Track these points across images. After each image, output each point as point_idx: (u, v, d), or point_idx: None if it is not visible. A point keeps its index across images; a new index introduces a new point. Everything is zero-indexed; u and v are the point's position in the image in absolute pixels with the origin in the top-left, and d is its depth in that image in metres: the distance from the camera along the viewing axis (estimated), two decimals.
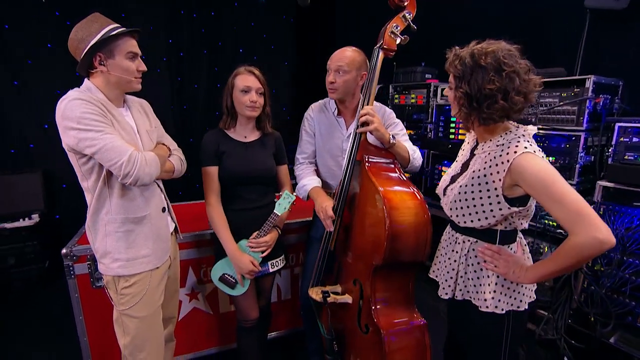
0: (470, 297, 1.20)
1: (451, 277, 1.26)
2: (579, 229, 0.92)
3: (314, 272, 1.60)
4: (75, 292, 1.71)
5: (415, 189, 1.42)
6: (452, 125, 2.83)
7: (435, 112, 2.92)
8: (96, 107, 1.22)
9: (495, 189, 1.07)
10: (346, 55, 1.59)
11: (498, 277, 1.14)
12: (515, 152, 1.02)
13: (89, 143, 1.19)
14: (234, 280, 1.62)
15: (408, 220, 1.33)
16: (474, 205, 1.13)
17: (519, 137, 1.07)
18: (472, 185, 1.13)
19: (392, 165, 1.52)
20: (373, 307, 1.38)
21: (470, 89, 1.03)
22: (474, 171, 1.15)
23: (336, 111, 1.72)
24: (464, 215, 1.16)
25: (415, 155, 1.59)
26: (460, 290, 1.23)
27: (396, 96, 3.34)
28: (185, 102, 3.92)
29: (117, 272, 1.35)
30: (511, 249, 1.16)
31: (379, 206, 1.32)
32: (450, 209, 1.21)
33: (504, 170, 1.04)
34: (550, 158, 2.16)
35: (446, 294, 1.27)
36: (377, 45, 1.49)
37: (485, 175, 1.10)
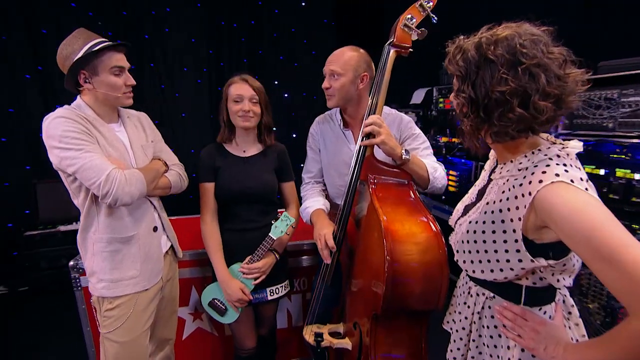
0: None
1: (460, 338, 0.96)
2: None
3: (310, 309, 1.38)
4: (82, 304, 1.71)
5: (431, 219, 1.14)
6: None
7: None
8: (79, 125, 1.18)
9: (514, 230, 0.76)
10: (340, 56, 1.37)
11: (523, 350, 0.82)
12: (541, 180, 0.71)
13: (70, 162, 1.16)
14: (224, 307, 1.48)
15: (415, 259, 1.06)
16: (485, 251, 0.83)
17: (550, 157, 0.74)
18: (484, 222, 0.83)
19: (406, 187, 1.25)
20: (372, 356, 1.12)
21: (475, 93, 0.74)
22: (487, 203, 0.85)
23: (342, 123, 1.49)
24: (472, 262, 0.87)
25: (436, 174, 1.30)
26: (473, 357, 0.92)
27: (441, 100, 2.97)
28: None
29: (101, 292, 1.30)
30: (544, 312, 0.84)
31: (380, 240, 1.07)
32: (457, 251, 0.92)
33: (525, 207, 0.73)
34: (637, 176, 1.65)
35: (454, 358, 0.97)
36: (388, 41, 1.25)
37: (500, 211, 0.79)
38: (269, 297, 1.53)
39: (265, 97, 1.48)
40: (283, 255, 1.60)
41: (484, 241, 0.82)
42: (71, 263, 1.69)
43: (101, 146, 1.23)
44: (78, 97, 1.29)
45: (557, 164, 0.72)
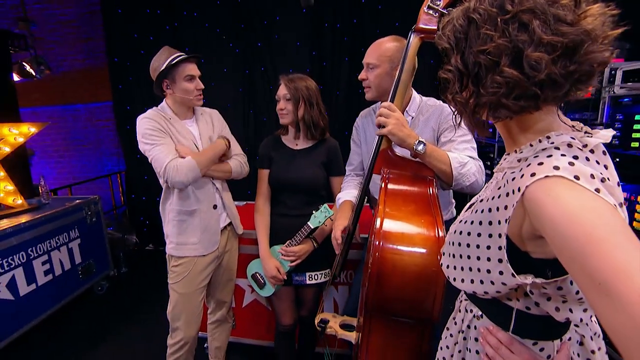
0: None
1: (444, 358, 0.85)
2: None
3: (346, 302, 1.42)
4: None
5: (439, 221, 1.03)
6: (638, 127, 1.82)
7: (609, 108, 1.96)
8: (157, 123, 1.52)
9: (499, 235, 0.61)
10: (377, 47, 1.33)
11: None
12: (534, 173, 0.54)
13: (147, 154, 1.53)
14: (263, 282, 1.66)
15: (406, 262, 0.98)
16: (468, 257, 0.69)
17: (556, 146, 0.57)
18: (472, 223, 0.69)
19: (425, 183, 1.15)
20: None
21: (464, 64, 0.60)
22: (481, 200, 0.71)
23: None
24: (455, 268, 0.73)
25: (463, 170, 1.14)
26: None
27: None
28: (326, 108, 4.20)
29: (170, 251, 1.65)
30: (541, 349, 0.66)
31: (373, 234, 1.03)
32: (443, 253, 0.80)
33: (513, 206, 0.58)
34: None
35: None
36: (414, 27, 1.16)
37: (490, 210, 0.64)
38: (308, 282, 1.63)
39: (309, 95, 1.56)
40: (327, 245, 1.66)
41: (468, 245, 0.69)
42: None
43: (174, 138, 1.56)
44: (164, 100, 1.65)
45: (562, 155, 0.55)
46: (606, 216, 0.47)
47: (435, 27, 1.11)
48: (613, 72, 1.96)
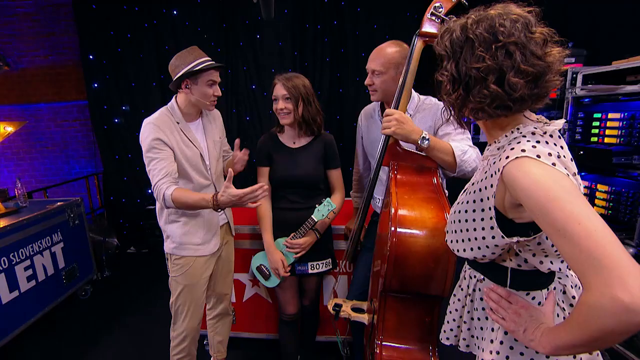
0: (476, 350, 0.90)
1: (454, 320, 0.97)
2: (592, 280, 0.57)
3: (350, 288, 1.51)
4: None
5: (447, 208, 1.15)
6: (596, 124, 2.07)
7: (572, 107, 2.20)
8: (162, 133, 1.50)
9: (490, 208, 0.78)
10: (381, 53, 1.42)
11: (506, 333, 0.81)
12: (508, 157, 0.71)
13: (146, 165, 1.51)
14: (268, 273, 1.72)
15: (420, 243, 1.09)
16: (467, 230, 0.85)
17: (523, 135, 0.75)
18: (467, 202, 0.85)
19: (429, 173, 1.27)
20: (378, 340, 1.20)
21: (457, 71, 0.76)
22: (473, 184, 0.87)
23: (381, 115, 1.55)
24: (457, 241, 0.89)
25: (464, 157, 1.27)
26: (465, 338, 0.93)
27: None
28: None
29: (171, 251, 1.65)
30: (533, 298, 0.82)
31: (390, 221, 1.14)
32: (447, 231, 0.94)
33: (496, 184, 0.74)
34: None
35: (447, 338, 0.99)
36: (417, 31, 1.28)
37: (480, 190, 0.81)
38: (310, 271, 1.70)
39: (306, 93, 1.61)
40: (327, 236, 1.75)
41: (466, 220, 0.84)
42: None
43: (177, 149, 1.53)
44: (174, 97, 1.63)
45: (527, 141, 0.72)
46: (560, 181, 0.64)
47: (437, 32, 1.24)
48: (574, 75, 2.21)
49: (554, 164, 0.66)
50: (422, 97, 1.54)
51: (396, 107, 1.29)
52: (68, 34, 4.06)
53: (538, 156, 0.68)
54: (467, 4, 1.19)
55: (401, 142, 1.31)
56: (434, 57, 0.85)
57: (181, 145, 1.56)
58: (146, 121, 1.53)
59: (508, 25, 0.70)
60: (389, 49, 1.43)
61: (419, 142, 1.22)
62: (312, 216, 1.59)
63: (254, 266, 1.77)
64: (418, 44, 1.26)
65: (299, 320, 1.83)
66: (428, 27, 1.23)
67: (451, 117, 0.85)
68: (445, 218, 1.12)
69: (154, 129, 1.50)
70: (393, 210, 1.13)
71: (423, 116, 1.49)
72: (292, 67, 4.13)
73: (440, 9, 1.21)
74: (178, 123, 1.58)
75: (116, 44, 3.63)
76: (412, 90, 1.53)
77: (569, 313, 0.83)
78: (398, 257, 1.09)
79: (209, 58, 1.57)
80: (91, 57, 3.67)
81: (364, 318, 1.34)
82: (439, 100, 1.51)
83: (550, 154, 0.68)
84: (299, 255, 1.65)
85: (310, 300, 1.84)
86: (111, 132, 3.86)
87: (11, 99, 4.56)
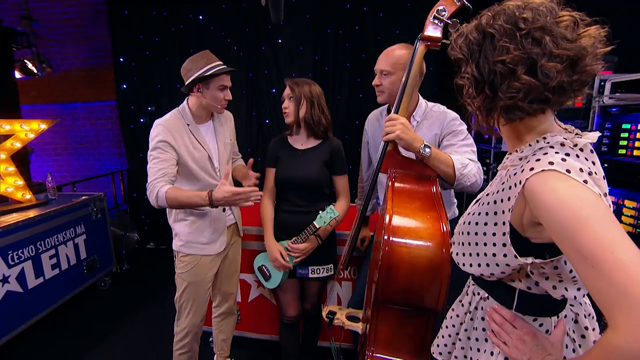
0: None
1: (449, 335, 0.93)
2: (621, 319, 0.50)
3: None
4: None
5: (443, 217, 1.11)
6: (624, 135, 1.93)
7: (599, 117, 2.07)
8: (170, 135, 1.54)
9: (503, 223, 0.71)
10: (390, 55, 1.41)
11: (506, 359, 0.77)
12: (533, 168, 0.63)
13: (148, 160, 1.55)
14: (269, 274, 1.73)
15: (413, 254, 1.06)
16: (476, 244, 0.78)
17: (551, 145, 0.66)
18: (479, 214, 0.79)
19: (428, 182, 1.24)
20: (369, 351, 1.17)
21: (479, 72, 0.69)
22: (487, 194, 0.81)
23: None
24: (463, 254, 0.83)
25: (465, 170, 1.23)
26: (457, 357, 0.89)
27: None
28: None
29: (179, 249, 1.70)
30: (540, 325, 0.75)
31: (383, 230, 1.11)
32: (453, 243, 0.90)
33: (515, 197, 0.67)
34: None
35: (440, 353, 0.95)
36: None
37: (495, 202, 0.74)
38: (310, 275, 1.70)
39: (311, 95, 1.63)
40: (331, 242, 1.74)
41: (476, 233, 0.79)
42: None
43: (184, 152, 1.57)
44: (185, 100, 1.68)
45: (556, 152, 0.64)
46: (591, 202, 0.56)
47: (440, 36, 1.21)
48: (602, 83, 2.08)
49: (585, 182, 0.58)
50: (429, 103, 1.51)
51: (396, 111, 1.27)
52: (105, 39, 4.31)
53: (568, 171, 0.60)
54: (471, 7, 1.16)
55: (401, 150, 1.28)
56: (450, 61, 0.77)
57: (189, 147, 1.61)
58: (157, 122, 1.58)
59: (529, 13, 0.64)
60: (398, 51, 1.42)
61: (421, 150, 1.19)
62: (314, 222, 1.58)
63: (256, 266, 1.80)
64: (420, 48, 1.23)
65: (299, 324, 1.84)
66: (431, 31, 1.20)
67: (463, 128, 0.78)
68: (442, 229, 1.08)
69: (163, 131, 1.54)
70: (387, 219, 1.10)
71: (430, 123, 1.46)
72: (312, 71, 4.16)
73: (444, 13, 1.18)
74: (188, 125, 1.62)
75: (145, 48, 3.81)
76: (420, 96, 1.51)
77: (579, 345, 0.76)
78: (390, 266, 1.06)
79: (221, 62, 1.59)
80: (122, 59, 3.87)
81: (358, 327, 1.32)
82: (446, 108, 1.47)
83: (581, 170, 0.60)
84: (298, 260, 1.65)
85: (312, 305, 1.84)
86: (137, 131, 4.03)
87: (52, 99, 4.91)
